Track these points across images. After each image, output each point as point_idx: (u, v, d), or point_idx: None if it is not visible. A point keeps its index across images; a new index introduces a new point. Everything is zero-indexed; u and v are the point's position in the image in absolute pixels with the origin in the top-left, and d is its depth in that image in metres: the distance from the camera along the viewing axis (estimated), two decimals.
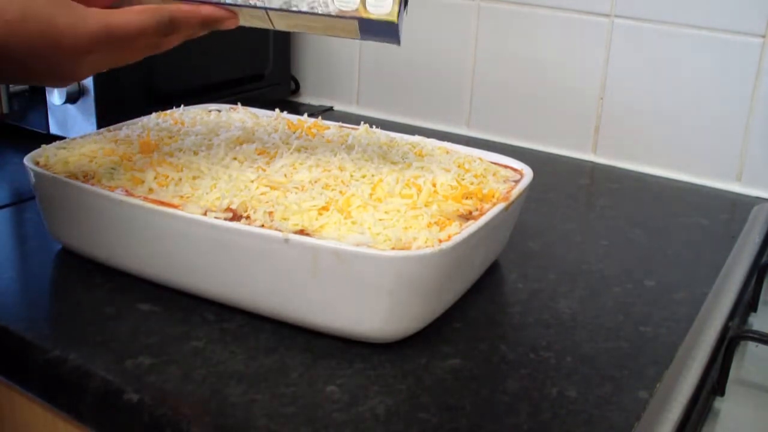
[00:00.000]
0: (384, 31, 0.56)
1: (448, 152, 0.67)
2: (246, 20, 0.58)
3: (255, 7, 0.56)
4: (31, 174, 0.61)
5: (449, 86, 1.03)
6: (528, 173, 0.64)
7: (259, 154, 0.63)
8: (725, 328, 0.56)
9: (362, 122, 0.72)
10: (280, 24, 0.59)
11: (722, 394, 0.52)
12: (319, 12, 0.56)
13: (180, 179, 0.58)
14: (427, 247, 0.50)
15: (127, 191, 0.57)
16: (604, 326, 0.57)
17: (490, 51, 0.99)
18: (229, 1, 0.56)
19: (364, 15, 0.55)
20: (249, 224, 0.52)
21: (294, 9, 0.56)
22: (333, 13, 0.56)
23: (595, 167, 0.94)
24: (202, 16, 0.54)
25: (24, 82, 0.61)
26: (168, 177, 0.58)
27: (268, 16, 0.57)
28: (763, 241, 0.72)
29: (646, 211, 0.81)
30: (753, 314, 0.63)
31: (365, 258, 0.49)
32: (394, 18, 0.55)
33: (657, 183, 0.90)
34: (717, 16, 0.85)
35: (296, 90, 1.16)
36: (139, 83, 0.89)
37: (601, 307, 0.60)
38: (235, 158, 0.62)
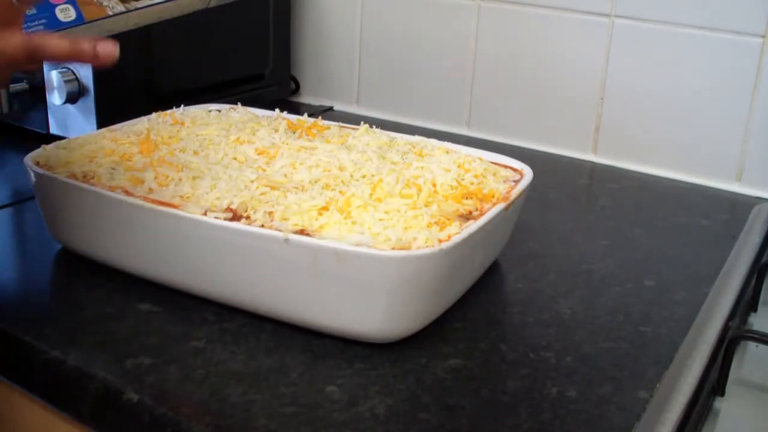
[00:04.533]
0: None
1: (448, 152, 0.67)
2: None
3: None
4: (31, 174, 0.61)
5: (449, 86, 1.03)
6: (528, 173, 0.64)
7: (259, 154, 0.63)
8: (725, 328, 0.56)
9: (362, 122, 0.72)
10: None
11: (722, 394, 0.52)
12: None
13: (180, 179, 0.58)
14: (427, 247, 0.50)
15: (127, 191, 0.57)
16: (604, 326, 0.57)
17: (490, 51, 0.99)
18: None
19: None
20: (249, 224, 0.52)
21: None
22: None
23: (595, 167, 0.94)
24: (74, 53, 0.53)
25: None
26: (168, 177, 0.58)
27: None
28: (763, 241, 0.72)
29: (646, 211, 0.81)
30: (753, 314, 0.63)
31: (365, 258, 0.49)
32: None
33: (657, 183, 0.90)
34: (717, 16, 0.85)
35: (296, 90, 1.16)
36: (139, 83, 0.89)
37: (601, 307, 0.60)
38: (235, 158, 0.62)
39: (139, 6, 0.63)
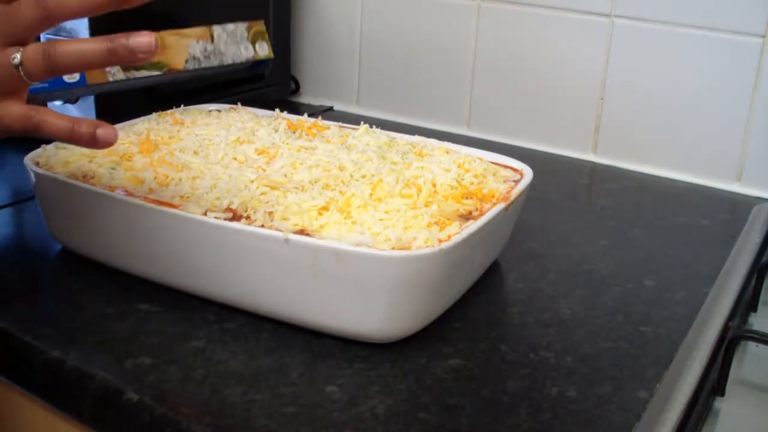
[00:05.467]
0: (261, 64, 0.89)
1: (448, 152, 0.67)
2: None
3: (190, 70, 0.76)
4: (31, 174, 0.61)
5: (449, 86, 1.03)
6: (528, 173, 0.64)
7: (259, 154, 0.63)
8: (725, 328, 0.56)
9: (362, 122, 0.72)
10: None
11: (722, 394, 0.52)
12: (237, 61, 0.84)
13: (180, 179, 0.58)
14: (427, 247, 0.50)
15: (127, 191, 0.57)
16: (604, 326, 0.57)
17: (490, 51, 0.99)
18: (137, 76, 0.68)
19: (259, 57, 0.87)
20: (249, 224, 0.52)
21: (227, 62, 0.82)
22: (243, 61, 0.84)
23: (595, 167, 0.94)
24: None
25: None
26: (168, 177, 0.58)
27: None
28: (763, 241, 0.72)
29: (646, 211, 0.81)
30: (753, 314, 0.63)
31: (365, 258, 0.49)
32: (271, 55, 0.89)
33: (657, 183, 0.90)
34: (717, 16, 0.85)
35: (296, 90, 1.16)
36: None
37: (601, 307, 0.60)
38: (235, 158, 0.62)
39: (138, 76, 0.65)
